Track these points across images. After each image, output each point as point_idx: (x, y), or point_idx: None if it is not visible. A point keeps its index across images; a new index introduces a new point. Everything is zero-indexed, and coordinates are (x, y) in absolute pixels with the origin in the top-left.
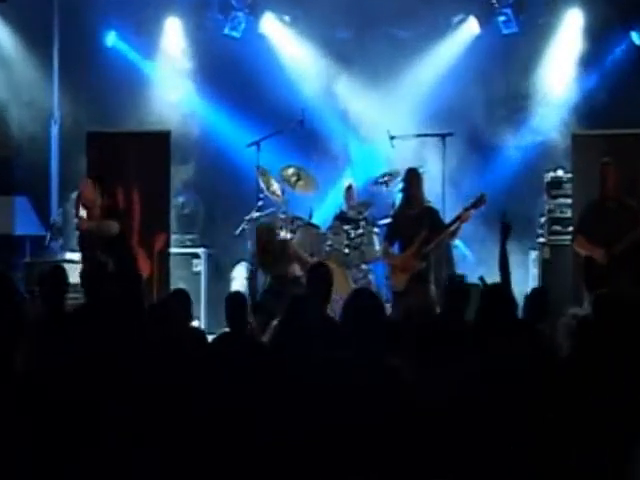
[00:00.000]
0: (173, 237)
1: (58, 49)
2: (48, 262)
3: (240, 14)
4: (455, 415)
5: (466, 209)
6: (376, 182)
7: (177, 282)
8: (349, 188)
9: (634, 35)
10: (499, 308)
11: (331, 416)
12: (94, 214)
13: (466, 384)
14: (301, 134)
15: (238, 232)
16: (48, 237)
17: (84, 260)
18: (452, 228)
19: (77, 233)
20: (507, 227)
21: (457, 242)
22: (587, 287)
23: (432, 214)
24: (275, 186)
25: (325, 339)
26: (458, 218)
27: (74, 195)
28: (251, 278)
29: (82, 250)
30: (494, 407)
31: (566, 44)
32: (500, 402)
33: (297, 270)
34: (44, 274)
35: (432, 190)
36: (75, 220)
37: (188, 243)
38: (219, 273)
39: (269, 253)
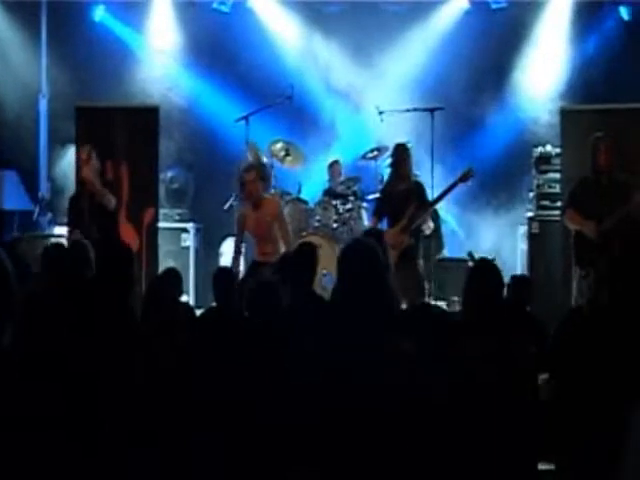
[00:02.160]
0: (162, 212)
1: (46, 24)
2: (37, 237)
3: None
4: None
5: (453, 184)
6: (364, 157)
7: (166, 257)
8: (333, 164)
9: (622, 10)
10: (488, 284)
11: (320, 393)
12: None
13: (459, 370)
14: (290, 109)
15: (227, 207)
16: (36, 211)
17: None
18: (439, 202)
19: (67, 207)
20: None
21: (446, 217)
22: (577, 262)
23: (420, 189)
24: (264, 161)
25: (309, 317)
26: (445, 194)
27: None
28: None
29: (71, 223)
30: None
31: (555, 19)
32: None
33: (281, 247)
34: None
35: (421, 165)
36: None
37: (177, 218)
38: (208, 248)
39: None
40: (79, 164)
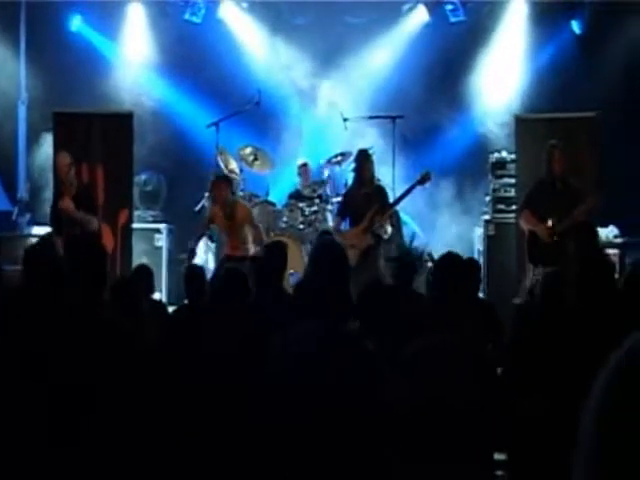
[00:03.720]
0: (136, 213)
1: (24, 34)
2: (17, 236)
3: (200, 0)
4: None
5: (412, 187)
6: (329, 162)
7: (139, 256)
8: (303, 166)
9: (574, 24)
10: (453, 277)
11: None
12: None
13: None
14: (258, 115)
15: (198, 208)
16: (15, 212)
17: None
18: (399, 204)
19: (49, 214)
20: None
21: (406, 219)
22: (530, 261)
23: (381, 193)
24: (233, 165)
25: (280, 313)
26: (404, 196)
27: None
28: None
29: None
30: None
31: (510, 32)
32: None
33: (252, 249)
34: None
35: (383, 170)
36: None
37: (150, 219)
38: (180, 247)
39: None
40: (60, 171)
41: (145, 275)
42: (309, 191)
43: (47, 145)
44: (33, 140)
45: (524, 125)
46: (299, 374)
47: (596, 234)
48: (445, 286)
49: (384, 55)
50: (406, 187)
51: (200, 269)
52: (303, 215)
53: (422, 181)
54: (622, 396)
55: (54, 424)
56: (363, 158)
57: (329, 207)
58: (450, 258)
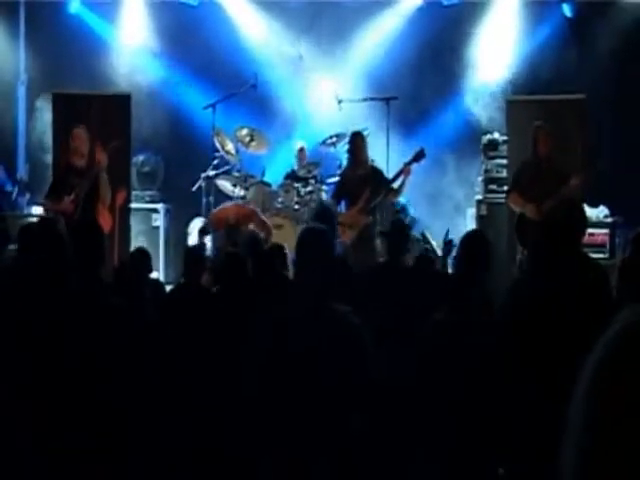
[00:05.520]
0: (134, 193)
1: (24, 16)
2: (17, 216)
3: None
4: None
5: (407, 164)
6: (324, 143)
7: (137, 236)
8: (301, 150)
9: (565, 7)
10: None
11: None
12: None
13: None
14: (254, 97)
15: (195, 188)
16: (15, 192)
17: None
18: (396, 183)
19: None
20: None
21: (403, 201)
22: (519, 242)
23: (376, 173)
24: (230, 146)
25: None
26: (400, 173)
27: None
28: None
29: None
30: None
31: (503, 15)
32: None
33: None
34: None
35: (377, 151)
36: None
37: (148, 199)
38: (177, 227)
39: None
40: (76, 139)
41: (142, 258)
42: (304, 172)
43: (42, 121)
44: (32, 121)
45: (515, 107)
46: (289, 349)
47: (582, 212)
48: (472, 265)
49: (378, 37)
50: (401, 165)
51: (199, 250)
52: (299, 195)
53: (417, 158)
54: (614, 370)
55: (50, 404)
56: (357, 139)
57: (324, 187)
58: (481, 236)
